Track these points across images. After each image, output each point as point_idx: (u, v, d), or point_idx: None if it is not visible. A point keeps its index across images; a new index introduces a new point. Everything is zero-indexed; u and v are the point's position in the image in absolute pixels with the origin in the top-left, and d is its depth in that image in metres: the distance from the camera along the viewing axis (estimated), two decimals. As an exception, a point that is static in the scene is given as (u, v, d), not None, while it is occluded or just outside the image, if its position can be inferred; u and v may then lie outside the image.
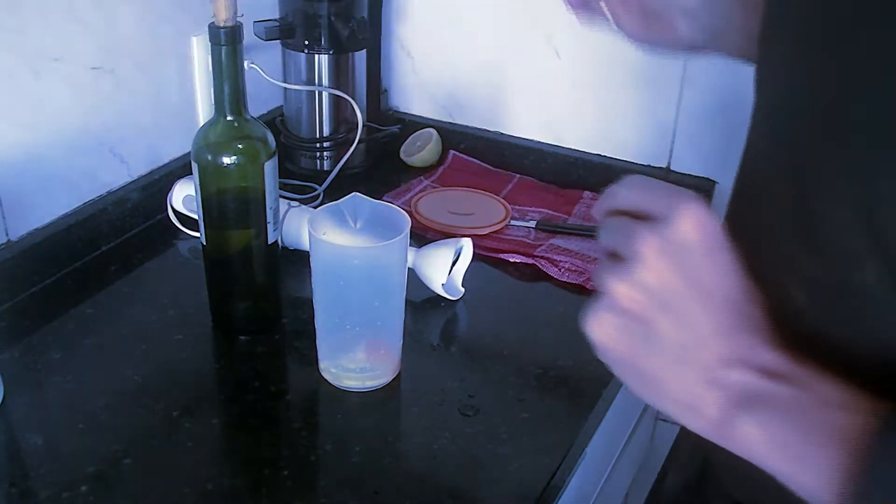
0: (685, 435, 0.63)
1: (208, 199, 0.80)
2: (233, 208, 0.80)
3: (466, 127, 1.28)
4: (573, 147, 1.23)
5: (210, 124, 0.78)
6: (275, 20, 1.12)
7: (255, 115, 0.81)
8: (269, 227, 0.82)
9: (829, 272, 0.43)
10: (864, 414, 0.39)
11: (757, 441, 0.41)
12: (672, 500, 0.69)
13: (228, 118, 0.77)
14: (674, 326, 0.42)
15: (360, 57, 1.18)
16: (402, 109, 1.34)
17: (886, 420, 0.38)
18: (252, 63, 1.10)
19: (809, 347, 0.42)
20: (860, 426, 0.38)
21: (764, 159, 0.49)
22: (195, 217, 0.93)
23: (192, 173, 0.79)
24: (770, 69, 0.49)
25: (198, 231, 0.83)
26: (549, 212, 1.12)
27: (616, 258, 0.43)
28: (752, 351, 0.41)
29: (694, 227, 0.41)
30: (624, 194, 0.44)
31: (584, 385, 0.81)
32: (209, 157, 0.78)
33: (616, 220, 0.44)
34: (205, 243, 0.83)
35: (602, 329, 0.43)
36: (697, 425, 0.43)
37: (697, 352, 0.42)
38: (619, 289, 0.42)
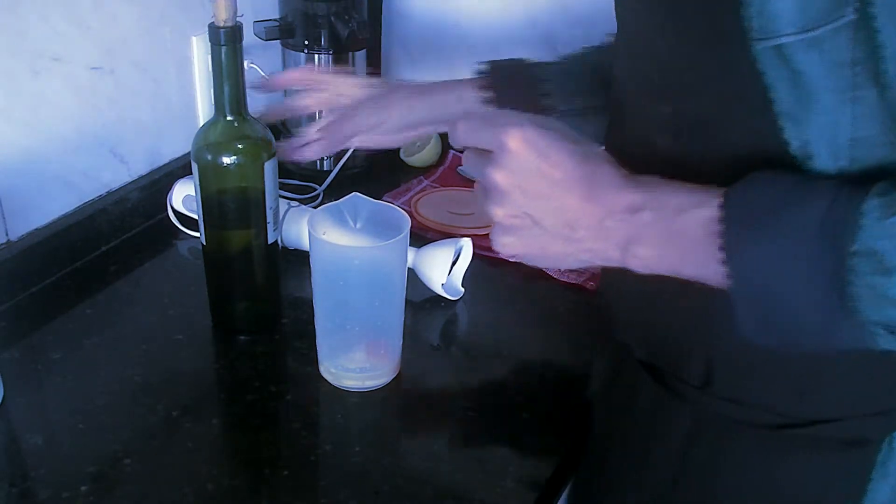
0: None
1: (208, 199, 0.80)
2: (233, 208, 0.80)
3: (466, 127, 1.28)
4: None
5: (210, 124, 0.78)
6: (275, 20, 1.12)
7: (256, 115, 0.81)
8: (269, 227, 0.82)
9: (678, 112, 0.53)
10: (710, 199, 0.47)
11: (653, 259, 0.50)
12: (600, 381, 0.78)
13: (228, 118, 0.77)
14: (553, 214, 0.52)
15: (360, 57, 1.18)
16: (402, 109, 1.34)
17: (726, 192, 0.47)
18: (252, 63, 1.10)
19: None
20: (711, 211, 0.47)
21: (620, 56, 0.61)
22: (195, 217, 0.93)
23: (192, 173, 0.79)
24: None
25: (198, 231, 0.83)
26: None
27: (484, 189, 0.54)
28: (614, 198, 0.50)
29: (521, 146, 0.51)
30: (460, 137, 0.54)
31: (584, 385, 0.81)
32: (209, 157, 0.78)
33: (471, 161, 0.54)
34: (205, 243, 0.83)
35: (509, 247, 0.54)
36: (614, 265, 0.52)
37: (579, 220, 0.51)
38: (500, 214, 0.53)
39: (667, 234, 0.49)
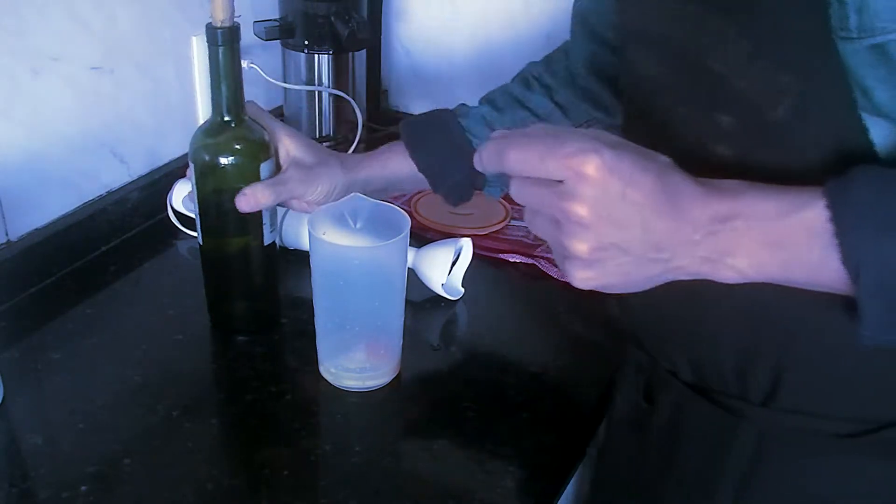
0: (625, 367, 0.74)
1: (205, 200, 0.80)
2: (230, 209, 0.80)
3: (466, 127, 1.28)
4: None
5: (208, 125, 0.78)
6: (275, 20, 1.12)
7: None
8: (266, 228, 0.82)
9: (743, 121, 0.50)
10: (811, 200, 0.45)
11: (753, 269, 0.47)
12: (627, 408, 0.74)
13: (226, 119, 0.77)
14: (640, 240, 0.47)
15: (360, 57, 1.18)
16: (402, 109, 1.34)
17: (829, 190, 0.44)
18: (252, 63, 1.10)
19: None
20: (816, 211, 0.44)
21: (651, 64, 0.57)
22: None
23: (191, 173, 0.79)
24: None
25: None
26: (549, 212, 1.12)
27: (553, 222, 0.48)
28: (698, 211, 0.47)
29: (603, 174, 0.46)
30: (514, 167, 0.48)
31: (584, 384, 0.81)
32: (206, 158, 0.77)
33: (528, 192, 0.49)
34: (202, 243, 0.83)
35: (591, 281, 0.49)
36: (701, 278, 0.49)
37: (666, 240, 0.47)
38: (584, 249, 0.47)
39: (767, 242, 0.46)
